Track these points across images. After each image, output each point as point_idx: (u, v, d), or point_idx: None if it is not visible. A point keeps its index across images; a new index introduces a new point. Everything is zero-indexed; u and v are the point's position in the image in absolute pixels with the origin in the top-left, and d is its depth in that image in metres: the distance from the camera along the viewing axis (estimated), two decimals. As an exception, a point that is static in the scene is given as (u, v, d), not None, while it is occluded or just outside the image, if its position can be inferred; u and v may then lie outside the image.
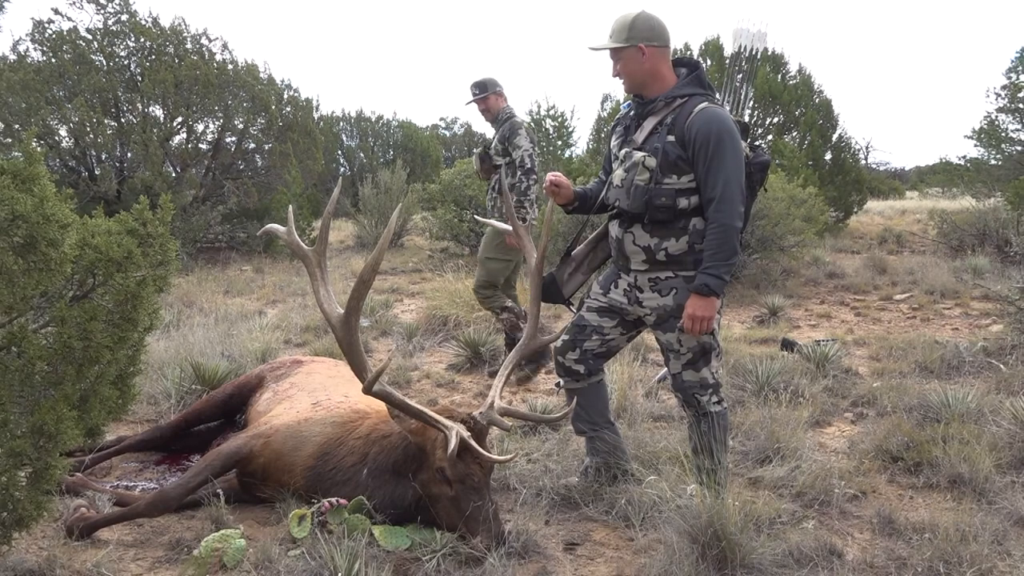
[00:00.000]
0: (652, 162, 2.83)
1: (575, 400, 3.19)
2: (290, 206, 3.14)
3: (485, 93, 5.28)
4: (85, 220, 2.39)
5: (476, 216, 4.05)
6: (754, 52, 3.40)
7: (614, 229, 3.04)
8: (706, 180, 2.76)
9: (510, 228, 3.40)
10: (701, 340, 2.90)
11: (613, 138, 3.10)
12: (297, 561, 2.56)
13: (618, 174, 2.96)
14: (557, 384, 3.35)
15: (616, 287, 3.08)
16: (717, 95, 2.97)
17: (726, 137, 2.73)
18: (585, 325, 3.14)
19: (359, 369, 2.81)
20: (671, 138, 2.81)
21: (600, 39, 2.97)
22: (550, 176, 3.09)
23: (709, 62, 13.07)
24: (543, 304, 3.32)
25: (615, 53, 2.90)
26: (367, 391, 2.72)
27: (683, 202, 2.82)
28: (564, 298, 3.26)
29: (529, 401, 4.50)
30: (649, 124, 2.91)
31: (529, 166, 5.04)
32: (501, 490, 3.20)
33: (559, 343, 3.20)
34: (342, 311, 2.80)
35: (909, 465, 3.41)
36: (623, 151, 2.97)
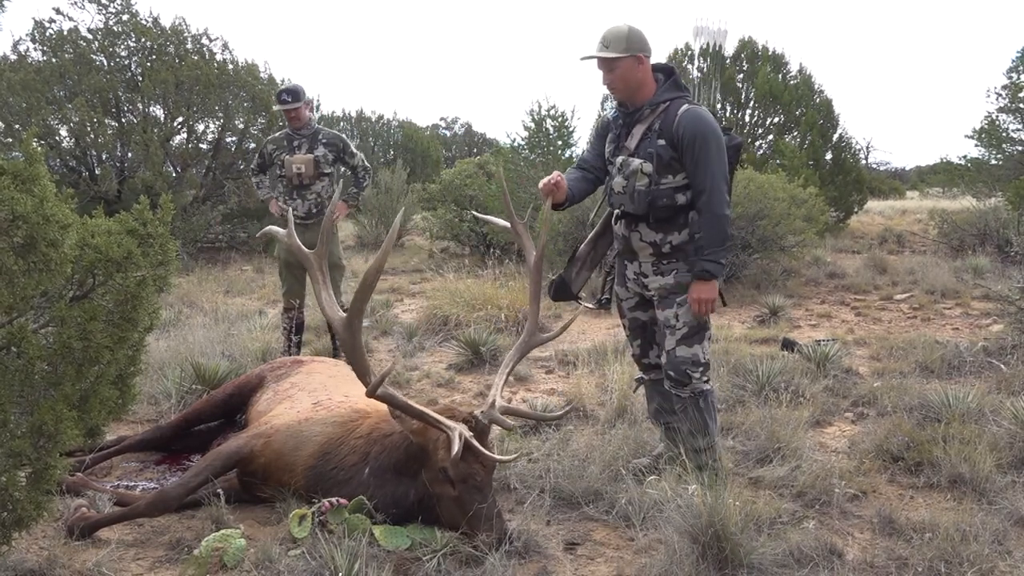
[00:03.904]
0: (649, 167, 3.06)
1: (654, 394, 3.42)
2: (289, 209, 3.13)
3: (299, 103, 5.39)
4: (85, 220, 2.39)
5: (475, 213, 3.95)
6: (718, 48, 3.53)
7: (620, 228, 3.25)
8: (695, 175, 3.02)
9: (507, 224, 3.35)
10: (699, 317, 3.11)
11: (606, 143, 3.28)
12: (297, 561, 2.56)
13: (618, 182, 3.16)
14: (638, 380, 3.55)
15: (628, 279, 3.31)
16: (690, 95, 3.18)
17: (711, 135, 2.99)
18: (643, 323, 3.36)
19: (362, 372, 2.80)
20: (662, 142, 3.05)
21: (588, 51, 3.12)
22: (553, 177, 3.14)
23: (708, 62, 13.06)
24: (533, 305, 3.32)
25: (612, 63, 3.07)
26: (371, 395, 2.73)
27: (681, 198, 3.08)
28: (574, 295, 3.43)
29: (529, 401, 4.50)
30: (639, 131, 3.14)
31: (368, 166, 5.68)
32: (502, 490, 3.20)
33: (636, 350, 3.43)
34: (344, 314, 2.79)
35: (910, 465, 3.41)
36: (619, 159, 3.16)
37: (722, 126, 3.13)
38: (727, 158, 3.08)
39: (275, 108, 5.55)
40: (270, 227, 3.09)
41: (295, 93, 5.36)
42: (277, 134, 5.65)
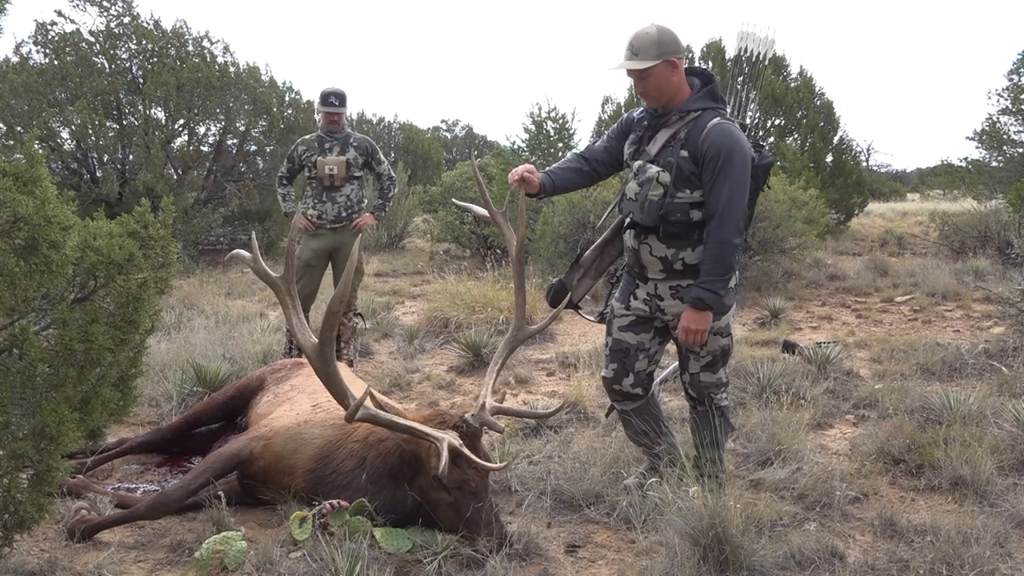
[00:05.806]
0: (666, 177, 2.84)
1: (628, 420, 3.19)
2: (252, 233, 3.07)
3: (344, 107, 5.50)
4: (87, 222, 2.39)
5: (455, 201, 3.84)
6: (760, 56, 3.38)
7: (629, 239, 3.05)
8: (710, 194, 2.80)
9: (486, 212, 3.26)
10: (721, 344, 2.98)
11: (626, 144, 3.07)
12: (298, 563, 2.56)
13: (631, 187, 2.95)
14: (610, 408, 3.33)
15: (635, 298, 3.08)
16: (728, 109, 2.96)
17: (736, 155, 2.76)
18: (628, 347, 3.10)
19: (339, 397, 2.78)
20: (685, 153, 2.83)
21: (615, 58, 2.92)
22: (519, 171, 3.01)
23: (711, 64, 13.06)
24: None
25: (644, 72, 2.83)
26: (349, 421, 2.71)
27: (696, 214, 2.87)
28: (574, 303, 3.26)
29: (531, 403, 4.50)
30: (662, 137, 2.91)
31: (393, 175, 5.84)
32: (502, 492, 3.20)
33: (609, 374, 3.14)
34: (316, 340, 2.77)
35: (911, 467, 3.40)
36: (637, 163, 2.95)
37: (754, 143, 2.94)
38: (756, 180, 2.91)
39: (320, 109, 5.53)
40: (236, 251, 2.97)
41: (342, 98, 5.46)
42: (307, 136, 5.68)
